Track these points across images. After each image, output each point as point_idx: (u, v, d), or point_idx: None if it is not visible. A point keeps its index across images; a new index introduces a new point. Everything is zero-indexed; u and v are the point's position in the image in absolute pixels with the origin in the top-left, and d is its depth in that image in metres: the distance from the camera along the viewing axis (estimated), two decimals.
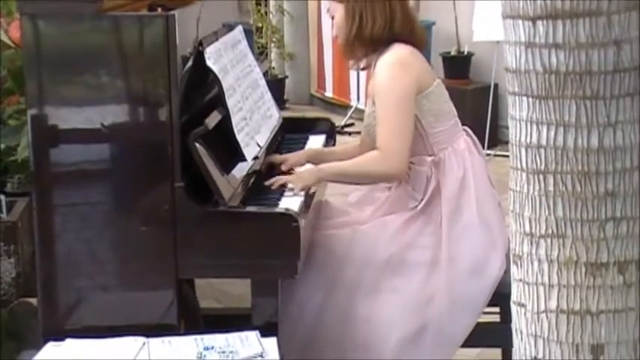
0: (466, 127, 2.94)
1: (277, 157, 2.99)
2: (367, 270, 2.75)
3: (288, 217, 2.54)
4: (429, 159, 2.79)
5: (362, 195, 3.02)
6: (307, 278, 2.75)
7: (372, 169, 2.79)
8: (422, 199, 2.79)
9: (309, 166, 2.96)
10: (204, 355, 2.39)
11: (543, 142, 1.79)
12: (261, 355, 2.38)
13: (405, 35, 2.82)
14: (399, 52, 2.80)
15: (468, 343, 2.75)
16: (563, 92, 1.76)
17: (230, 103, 2.71)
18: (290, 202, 2.70)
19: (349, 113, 7.98)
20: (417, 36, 2.87)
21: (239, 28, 3.15)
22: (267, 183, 2.80)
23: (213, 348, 2.42)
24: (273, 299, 2.62)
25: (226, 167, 2.68)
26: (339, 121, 7.27)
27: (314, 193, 2.87)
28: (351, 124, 7.78)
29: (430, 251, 2.75)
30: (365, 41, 2.81)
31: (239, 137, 2.71)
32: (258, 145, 2.86)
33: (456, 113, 2.91)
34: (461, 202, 2.78)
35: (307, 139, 3.39)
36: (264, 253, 2.55)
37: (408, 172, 2.80)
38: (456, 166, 2.81)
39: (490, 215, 2.78)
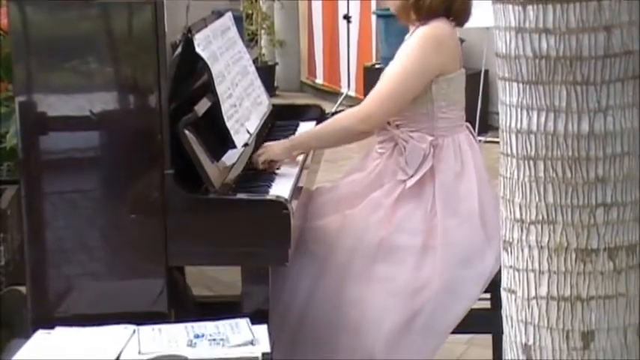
0: (468, 124, 2.94)
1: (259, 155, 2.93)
2: (357, 255, 2.75)
3: (278, 204, 2.54)
4: (430, 138, 2.79)
5: (354, 163, 3.02)
6: (297, 265, 2.75)
7: (346, 123, 2.84)
8: (412, 175, 2.79)
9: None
10: (195, 343, 2.38)
11: (534, 127, 1.79)
12: (252, 343, 2.38)
13: (455, 8, 2.82)
14: (440, 29, 2.79)
15: (459, 329, 2.75)
16: (554, 77, 1.76)
17: (219, 90, 2.70)
18: (280, 190, 2.69)
19: (339, 100, 7.98)
20: (464, 10, 2.85)
21: (228, 15, 3.14)
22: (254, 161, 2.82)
23: (203, 335, 2.42)
24: (264, 286, 2.61)
25: (216, 154, 2.67)
26: (329, 107, 7.26)
27: (303, 183, 2.86)
28: (342, 111, 7.76)
29: (420, 237, 2.74)
30: (421, 11, 2.80)
31: (229, 124, 2.70)
32: (248, 132, 2.85)
33: (464, 106, 2.91)
34: (459, 194, 2.77)
35: (297, 125, 3.38)
36: (255, 240, 2.54)
37: (404, 144, 2.80)
38: (453, 157, 2.80)
39: (488, 211, 2.77)
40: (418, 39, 2.78)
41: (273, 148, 2.89)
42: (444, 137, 2.81)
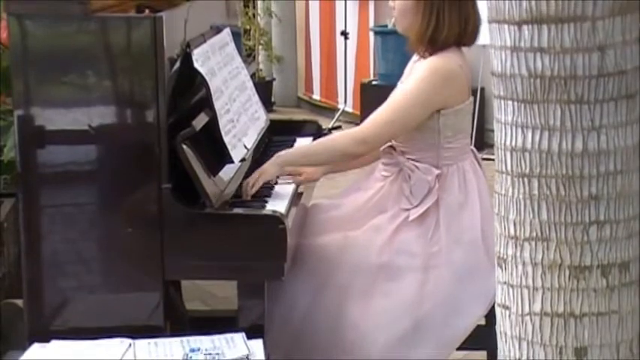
0: (473, 148, 2.94)
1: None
2: (359, 275, 2.75)
3: (274, 219, 2.55)
4: (436, 171, 2.79)
5: (359, 179, 3.01)
6: (296, 282, 2.75)
7: (343, 144, 2.81)
8: (417, 206, 2.79)
9: None
10: (191, 357, 2.39)
11: (528, 145, 1.80)
12: (248, 357, 2.38)
13: (467, 37, 2.81)
14: (451, 61, 2.77)
15: None
16: (548, 96, 1.77)
17: (217, 105, 2.72)
18: (277, 205, 2.70)
19: (337, 116, 7.99)
20: (475, 34, 2.84)
21: (227, 31, 3.16)
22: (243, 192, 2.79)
23: (199, 350, 2.43)
24: (260, 301, 2.62)
25: (213, 169, 2.69)
26: (326, 123, 7.28)
27: (301, 193, 2.87)
28: (339, 127, 7.79)
29: (421, 259, 2.75)
30: (436, 44, 2.78)
31: (226, 139, 2.71)
32: (246, 147, 2.86)
33: (470, 133, 2.91)
34: (463, 224, 2.77)
35: (294, 141, 3.39)
36: (251, 255, 2.55)
37: (410, 172, 2.80)
38: (457, 187, 2.80)
39: (491, 239, 2.78)
40: (429, 70, 2.76)
41: (267, 169, 2.82)
42: (449, 166, 2.81)
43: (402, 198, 2.82)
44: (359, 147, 2.80)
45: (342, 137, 2.88)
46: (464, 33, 2.79)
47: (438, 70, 2.76)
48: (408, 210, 2.80)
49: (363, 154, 2.86)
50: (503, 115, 1.85)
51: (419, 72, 2.79)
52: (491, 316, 2.76)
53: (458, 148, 2.83)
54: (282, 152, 2.90)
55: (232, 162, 2.75)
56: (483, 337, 2.78)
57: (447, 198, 2.79)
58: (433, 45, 2.78)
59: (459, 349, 2.81)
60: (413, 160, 2.81)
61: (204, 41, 2.84)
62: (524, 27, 1.76)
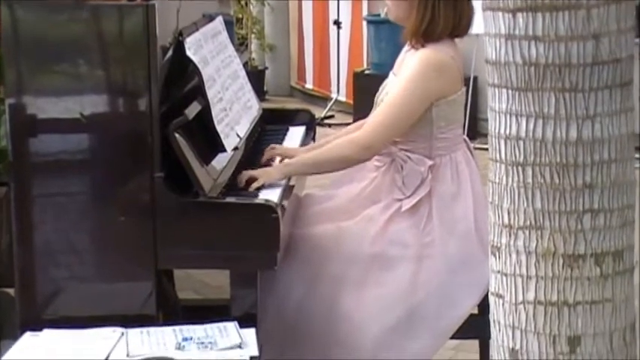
0: (466, 138, 2.94)
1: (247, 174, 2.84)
2: (352, 265, 2.75)
3: (267, 208, 2.54)
4: (429, 162, 2.78)
5: (352, 169, 3.01)
6: (290, 272, 2.75)
7: (347, 153, 2.79)
8: (409, 196, 2.79)
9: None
10: (183, 346, 2.39)
11: (522, 133, 1.80)
12: (240, 346, 2.38)
13: (461, 29, 2.81)
14: (442, 53, 2.77)
15: None
16: (543, 84, 1.77)
17: (210, 93, 2.71)
18: (270, 194, 2.70)
19: (329, 105, 7.99)
20: (468, 26, 2.83)
21: (219, 19, 3.15)
22: (238, 179, 2.79)
23: (191, 339, 2.42)
24: (252, 290, 2.62)
25: (206, 158, 2.68)
26: (319, 112, 7.27)
27: (293, 185, 2.86)
28: (331, 116, 7.79)
29: (413, 249, 2.74)
30: (431, 37, 2.77)
31: (219, 128, 2.71)
32: (238, 136, 2.86)
33: (463, 123, 2.91)
34: (455, 215, 2.78)
35: (287, 130, 3.39)
36: (244, 244, 2.54)
37: (402, 163, 2.80)
38: (450, 178, 2.80)
39: (484, 229, 2.78)
40: (421, 64, 2.76)
41: (271, 173, 2.82)
42: (441, 157, 2.81)
43: (394, 188, 2.82)
44: (364, 153, 2.79)
45: (347, 145, 2.83)
46: (458, 26, 2.80)
47: (429, 62, 2.76)
48: (400, 200, 2.80)
49: (368, 160, 2.84)
50: (497, 103, 1.84)
51: (411, 67, 2.78)
52: (484, 305, 2.77)
53: (451, 139, 2.83)
54: (292, 161, 2.88)
55: (225, 151, 2.74)
56: (476, 326, 2.78)
57: (439, 189, 2.79)
58: (427, 38, 2.78)
59: (451, 338, 2.81)
60: (405, 150, 2.81)
61: (197, 29, 2.83)
62: (519, 15, 1.76)
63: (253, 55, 8.81)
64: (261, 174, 2.79)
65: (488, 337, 1.97)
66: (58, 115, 2.58)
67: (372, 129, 2.78)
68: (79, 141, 2.60)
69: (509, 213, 1.85)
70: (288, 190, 2.79)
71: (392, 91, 2.82)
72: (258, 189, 2.75)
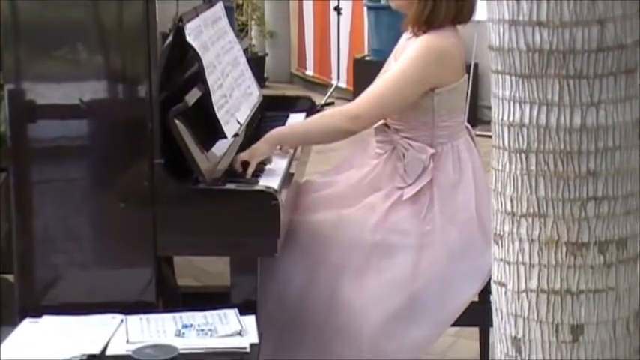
0: (468, 125, 2.93)
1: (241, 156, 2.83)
2: (353, 253, 2.74)
3: (267, 194, 2.53)
4: (431, 151, 2.77)
5: (352, 156, 2.99)
6: (291, 259, 2.74)
7: (334, 122, 2.79)
8: (411, 185, 2.78)
9: None
10: (183, 333, 2.38)
11: (526, 120, 1.79)
12: (240, 333, 2.38)
13: (463, 17, 2.79)
14: (444, 40, 2.75)
15: None
16: (547, 71, 1.75)
17: (210, 80, 2.69)
18: (270, 180, 2.69)
19: (330, 92, 7.97)
20: (470, 13, 2.82)
21: (219, 5, 3.13)
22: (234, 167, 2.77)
23: (191, 325, 2.42)
24: (252, 277, 2.61)
25: (206, 144, 2.67)
26: (319, 99, 7.26)
27: (293, 173, 2.85)
28: (332, 103, 7.77)
29: (414, 237, 2.74)
30: (433, 25, 2.76)
31: (219, 114, 2.69)
32: (239, 123, 2.84)
33: (464, 111, 2.89)
34: (457, 203, 2.77)
35: (287, 117, 3.37)
36: (244, 230, 2.54)
37: (404, 151, 2.79)
38: (452, 167, 2.79)
39: (486, 218, 2.77)
40: (422, 48, 2.74)
41: (260, 148, 2.81)
42: (443, 145, 2.80)
43: (396, 176, 2.81)
44: (351, 123, 2.77)
45: (334, 114, 2.86)
46: (460, 13, 2.78)
47: (431, 48, 2.74)
48: (402, 189, 2.79)
49: (355, 132, 2.81)
50: (500, 89, 1.83)
51: (412, 50, 2.77)
52: (484, 292, 2.76)
53: (452, 127, 2.82)
54: (275, 130, 2.87)
55: (225, 137, 2.73)
56: (476, 313, 2.78)
57: (441, 177, 2.78)
58: (429, 26, 2.77)
59: (451, 325, 2.81)
60: (407, 138, 2.80)
61: (197, 15, 2.81)
62: (523, 0, 1.74)
63: (253, 42, 8.79)
64: (252, 154, 2.78)
65: (489, 324, 1.96)
66: (57, 101, 2.57)
67: (362, 100, 2.77)
68: (79, 127, 2.59)
69: (512, 200, 1.84)
70: (288, 177, 2.78)
71: (390, 71, 2.80)
72: (259, 175, 2.74)
